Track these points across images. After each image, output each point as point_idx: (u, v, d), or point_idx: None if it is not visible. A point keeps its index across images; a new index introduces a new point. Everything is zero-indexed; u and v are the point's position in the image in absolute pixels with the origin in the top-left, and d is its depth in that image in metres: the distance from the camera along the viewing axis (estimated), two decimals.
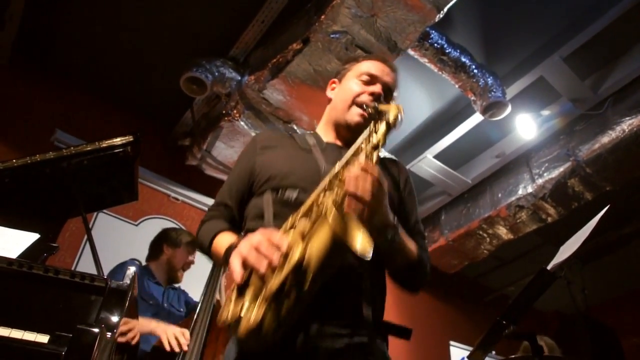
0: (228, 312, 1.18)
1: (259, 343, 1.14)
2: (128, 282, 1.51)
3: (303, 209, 1.29)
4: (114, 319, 1.37)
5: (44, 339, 1.27)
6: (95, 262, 2.05)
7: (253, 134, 3.89)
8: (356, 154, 1.36)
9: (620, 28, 3.45)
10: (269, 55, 3.53)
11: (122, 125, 4.30)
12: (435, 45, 3.50)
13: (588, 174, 4.03)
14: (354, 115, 1.59)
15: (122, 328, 1.45)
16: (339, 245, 1.10)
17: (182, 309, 3.11)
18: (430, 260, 1.57)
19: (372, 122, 1.41)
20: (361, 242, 1.11)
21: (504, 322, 1.48)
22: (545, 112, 4.10)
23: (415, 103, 4.28)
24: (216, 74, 3.61)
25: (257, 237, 1.18)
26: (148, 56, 4.01)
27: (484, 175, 4.70)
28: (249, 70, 3.70)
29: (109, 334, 1.33)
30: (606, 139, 3.81)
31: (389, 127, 1.37)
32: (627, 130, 3.70)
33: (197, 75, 3.51)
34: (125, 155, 2.41)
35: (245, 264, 1.18)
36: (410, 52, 3.50)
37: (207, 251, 1.50)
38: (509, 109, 3.76)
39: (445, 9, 3.11)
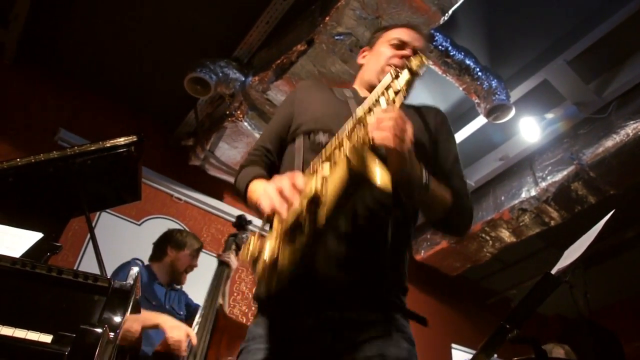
0: (247, 250, 1.19)
1: (276, 280, 1.15)
2: (131, 282, 1.51)
3: (325, 153, 1.29)
4: (117, 319, 1.37)
5: (47, 338, 1.27)
6: (98, 261, 2.05)
7: (257, 135, 3.89)
8: (379, 98, 1.37)
9: (625, 32, 3.45)
10: (273, 56, 3.54)
11: (125, 125, 4.31)
12: (440, 47, 3.49)
13: (592, 177, 4.02)
14: (387, 75, 1.57)
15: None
16: (356, 178, 1.11)
17: (182, 312, 3.11)
18: (470, 200, 1.59)
19: (394, 68, 1.43)
20: (380, 175, 1.10)
21: (508, 326, 1.47)
22: (549, 116, 4.09)
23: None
24: (220, 74, 3.61)
25: (281, 181, 1.20)
26: (152, 56, 4.01)
27: (487, 178, 4.69)
28: (253, 71, 3.71)
29: (111, 334, 1.33)
30: (610, 142, 3.80)
31: (412, 74, 1.37)
32: (631, 134, 3.69)
33: (201, 76, 3.51)
34: (129, 155, 2.41)
35: (271, 207, 1.19)
36: None
37: (244, 197, 1.52)
38: (512, 112, 3.76)
39: (450, 12, 3.10)
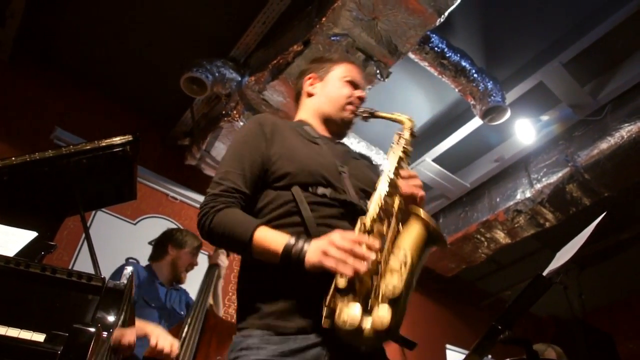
0: (343, 318, 1.20)
1: (377, 342, 1.23)
2: (125, 281, 1.51)
3: (373, 212, 1.40)
4: (111, 318, 1.37)
5: (40, 337, 1.27)
6: (92, 261, 2.06)
7: None
8: (400, 163, 1.57)
9: (620, 35, 3.47)
10: (270, 57, 3.54)
11: (121, 123, 4.31)
12: (436, 49, 3.51)
13: (586, 179, 4.04)
14: (349, 114, 1.78)
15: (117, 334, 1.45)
16: (432, 238, 1.34)
17: (183, 311, 3.11)
18: None
19: (398, 135, 1.68)
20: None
21: (499, 327, 1.48)
22: (545, 118, 4.11)
23: (414, 106, 4.29)
24: (216, 74, 3.61)
25: (346, 239, 1.25)
26: (149, 55, 4.01)
27: (482, 179, 4.71)
28: (250, 71, 3.71)
29: (105, 334, 1.33)
30: (605, 145, 3.82)
31: (412, 135, 1.69)
32: (625, 137, 3.71)
33: (197, 76, 3.51)
34: (125, 155, 2.41)
35: (341, 267, 1.21)
36: (411, 55, 3.51)
37: (242, 242, 1.38)
38: (508, 114, 3.77)
39: (446, 13, 3.11)
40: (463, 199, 4.97)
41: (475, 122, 4.08)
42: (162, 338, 2.43)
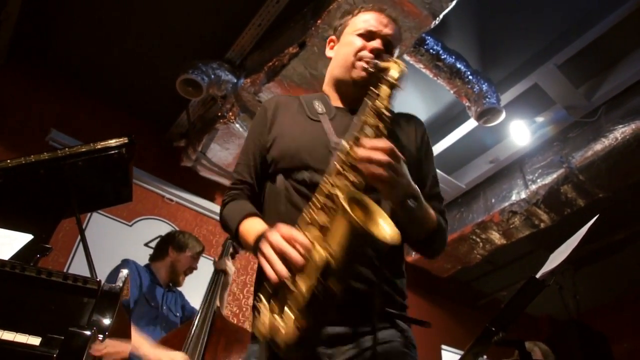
0: (264, 324, 1.13)
1: (299, 350, 1.11)
2: (120, 284, 1.52)
3: (317, 201, 1.23)
4: (106, 321, 1.38)
5: (35, 341, 1.27)
6: (88, 263, 2.06)
7: None
8: (363, 127, 1.29)
9: (614, 37, 3.48)
10: (265, 59, 3.55)
11: (117, 125, 4.31)
12: (431, 51, 3.52)
13: (581, 180, 4.06)
14: (358, 70, 1.52)
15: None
16: (363, 236, 1.05)
17: (178, 314, 3.12)
18: (447, 224, 1.53)
19: (374, 85, 1.35)
20: (389, 229, 1.08)
21: (493, 328, 1.49)
22: (539, 119, 4.13)
23: (410, 108, 4.25)
24: (212, 76, 3.61)
25: (279, 239, 1.15)
26: (145, 57, 4.01)
27: (477, 180, 4.73)
28: (245, 73, 3.71)
29: (100, 337, 1.33)
30: (599, 146, 3.84)
31: (393, 88, 1.33)
32: (619, 138, 3.73)
33: (193, 77, 3.52)
34: (120, 157, 2.41)
35: (273, 268, 1.14)
36: (406, 57, 3.52)
37: (234, 236, 1.43)
38: (503, 116, 3.79)
39: (441, 16, 3.12)
40: (458, 200, 4.98)
41: (471, 124, 4.10)
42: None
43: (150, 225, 4.21)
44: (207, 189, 4.58)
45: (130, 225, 4.12)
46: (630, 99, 3.74)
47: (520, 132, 4.18)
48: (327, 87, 1.65)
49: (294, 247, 1.13)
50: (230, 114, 3.82)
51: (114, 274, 2.89)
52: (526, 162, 4.42)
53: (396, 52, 1.60)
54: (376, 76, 1.40)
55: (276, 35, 3.55)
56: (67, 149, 2.30)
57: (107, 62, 4.08)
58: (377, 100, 1.31)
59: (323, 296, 1.08)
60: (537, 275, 1.37)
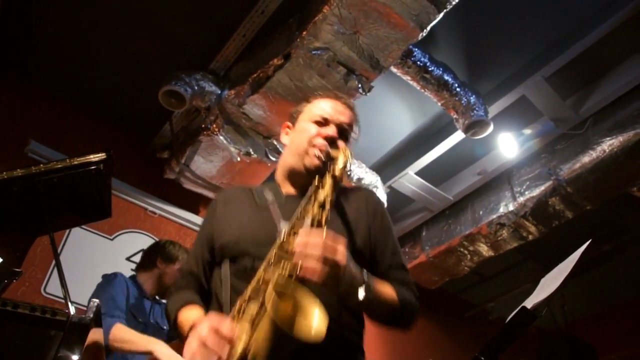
0: None
1: None
2: (91, 315, 1.44)
3: (249, 289, 1.23)
4: (74, 357, 1.30)
5: None
6: (62, 286, 1.97)
7: (232, 149, 3.83)
8: (302, 216, 1.28)
9: (603, 49, 3.47)
10: (250, 70, 3.48)
11: (99, 136, 4.21)
12: (418, 63, 3.47)
13: (569, 193, 4.03)
14: (311, 158, 1.50)
15: None
16: (285, 334, 1.03)
17: (165, 326, 3.02)
18: (415, 291, 1.50)
19: (317, 176, 1.38)
20: (316, 322, 1.05)
21: (482, 358, 1.43)
22: (527, 131, 4.10)
23: (397, 120, 4.25)
24: (195, 87, 3.54)
25: (205, 330, 1.14)
26: (127, 67, 3.93)
27: (465, 192, 4.68)
28: (229, 84, 3.64)
29: None
30: (587, 158, 3.82)
31: (336, 181, 1.34)
32: (607, 151, 3.71)
33: (176, 89, 3.43)
34: (98, 173, 2.32)
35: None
36: (393, 69, 3.47)
37: (174, 326, 1.45)
38: (491, 128, 3.75)
39: (429, 28, 3.08)
40: (446, 212, 4.94)
41: (458, 135, 4.06)
42: (168, 356, 2.34)
43: (133, 239, 4.11)
44: (190, 202, 4.49)
45: (112, 239, 4.02)
46: (617, 111, 3.72)
47: (508, 144, 4.14)
48: (280, 176, 1.63)
49: (216, 338, 1.12)
50: (214, 125, 3.74)
51: (103, 287, 2.80)
52: (514, 174, 4.39)
53: (353, 136, 1.62)
54: (326, 165, 1.44)
55: (261, 46, 3.48)
56: (41, 165, 2.20)
57: (89, 72, 3.99)
58: (320, 190, 1.31)
59: None
60: (529, 306, 1.31)
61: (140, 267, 3.10)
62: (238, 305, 1.22)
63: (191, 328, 1.25)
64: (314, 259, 1.13)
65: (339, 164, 1.35)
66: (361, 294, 1.24)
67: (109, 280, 2.89)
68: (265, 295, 1.07)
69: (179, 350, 2.50)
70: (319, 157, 1.48)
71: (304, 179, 1.50)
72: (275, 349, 1.06)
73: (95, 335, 1.51)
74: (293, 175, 1.57)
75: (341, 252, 1.18)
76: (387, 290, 1.36)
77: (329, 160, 1.43)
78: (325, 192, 1.29)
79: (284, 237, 1.25)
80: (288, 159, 1.60)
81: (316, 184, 1.34)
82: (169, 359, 2.33)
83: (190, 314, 1.38)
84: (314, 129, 1.55)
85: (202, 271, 1.52)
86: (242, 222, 1.48)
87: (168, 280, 3.00)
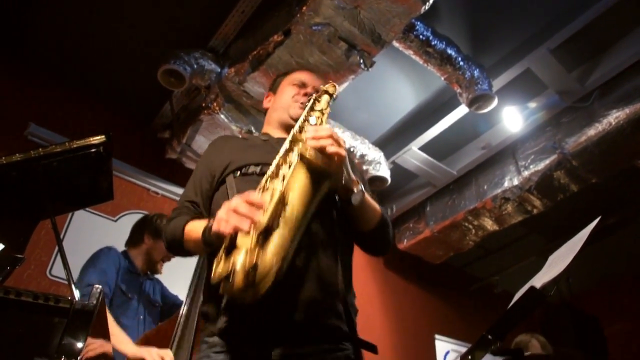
0: (217, 270, 1.14)
1: (254, 293, 1.11)
2: (94, 302, 1.42)
3: (270, 172, 1.36)
4: (78, 344, 1.29)
5: None
6: (65, 270, 1.95)
7: (233, 127, 3.79)
8: (305, 119, 1.55)
9: (608, 21, 3.39)
10: (250, 47, 3.42)
11: (99, 117, 4.17)
12: (421, 37, 3.41)
13: (574, 166, 4.00)
14: (296, 109, 1.75)
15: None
16: (318, 176, 1.21)
17: (158, 303, 3.01)
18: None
19: (314, 95, 1.69)
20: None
21: (490, 337, 1.42)
22: (532, 105, 4.04)
23: (400, 95, 4.20)
24: (195, 66, 3.48)
25: (235, 201, 1.19)
26: (126, 47, 3.86)
27: (469, 167, 4.64)
28: (229, 62, 3.58)
29: None
30: (592, 131, 3.78)
31: (330, 96, 1.67)
32: (613, 123, 3.66)
33: (175, 68, 3.38)
34: (98, 156, 2.30)
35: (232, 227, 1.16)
36: (395, 44, 3.41)
37: (179, 242, 1.47)
38: (495, 102, 3.70)
39: (431, 1, 3.02)
40: (450, 187, 4.91)
41: (462, 110, 4.01)
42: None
43: (136, 220, 4.10)
44: None
45: (115, 221, 4.01)
46: (624, 83, 3.66)
47: (513, 118, 4.09)
48: (267, 129, 1.86)
49: (248, 204, 1.17)
50: (215, 104, 3.70)
51: (98, 259, 2.79)
52: (519, 148, 4.35)
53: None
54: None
55: (260, 23, 3.41)
56: (40, 149, 2.18)
57: (87, 52, 3.93)
58: (317, 102, 1.65)
59: (284, 231, 1.16)
60: (537, 286, 1.29)
61: (129, 242, 3.06)
62: (263, 183, 1.33)
63: (207, 226, 1.30)
64: (325, 139, 1.30)
65: (331, 87, 1.69)
66: (359, 189, 1.42)
67: (103, 252, 2.87)
68: (300, 148, 1.25)
69: (168, 332, 2.52)
70: (302, 107, 1.72)
71: (291, 129, 1.66)
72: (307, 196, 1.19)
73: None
74: (281, 125, 1.80)
75: (344, 145, 1.35)
76: (371, 199, 1.52)
77: (314, 100, 1.70)
78: (322, 104, 1.63)
79: (294, 132, 1.45)
80: (273, 115, 1.85)
81: (314, 99, 1.66)
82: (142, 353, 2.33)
83: (199, 223, 1.41)
84: (295, 88, 1.83)
85: (201, 200, 1.58)
86: (245, 148, 1.66)
87: (157, 255, 2.99)
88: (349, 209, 1.46)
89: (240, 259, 1.09)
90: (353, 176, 1.43)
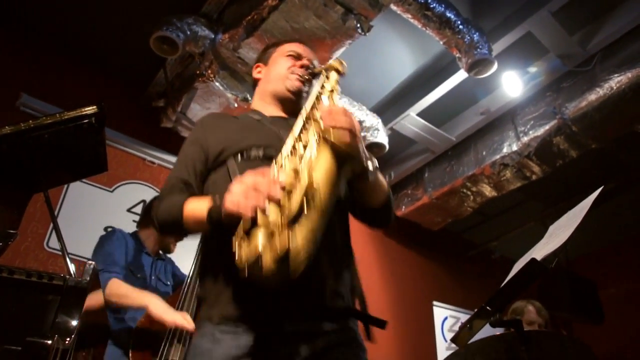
0: (243, 253, 1.07)
1: (284, 278, 1.06)
2: (87, 278, 1.40)
3: (286, 150, 1.32)
4: (73, 322, 1.27)
5: None
6: (60, 243, 1.94)
7: (229, 95, 3.73)
8: (318, 99, 1.49)
9: None
10: (243, 12, 3.33)
11: (92, 87, 4.09)
12: (419, 0, 3.32)
13: (574, 131, 3.96)
14: (293, 81, 1.68)
15: None
16: (342, 158, 1.19)
17: (169, 282, 3.01)
18: None
19: (322, 73, 1.62)
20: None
21: (489, 308, 1.40)
22: (532, 69, 3.97)
23: (398, 60, 4.12)
24: (188, 32, 3.39)
25: (250, 178, 1.15)
26: (117, 14, 3.76)
27: (468, 132, 4.60)
28: (223, 27, 3.49)
29: (67, 340, 1.22)
30: (593, 96, 3.72)
31: (339, 74, 1.60)
32: (614, 88, 3.60)
33: (167, 35, 3.29)
34: (90, 127, 2.25)
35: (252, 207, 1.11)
36: (393, 7, 3.32)
37: (177, 221, 1.39)
38: (495, 67, 3.63)
39: None
40: (449, 153, 4.88)
41: (461, 75, 3.93)
42: (163, 311, 2.34)
43: (133, 190, 4.08)
44: None
45: (112, 191, 3.98)
46: (626, 46, 3.58)
47: (512, 83, 4.03)
48: (259, 104, 1.75)
49: (267, 181, 1.14)
50: (209, 71, 3.62)
51: (101, 244, 2.78)
52: (518, 114, 4.29)
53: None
54: (310, 82, 1.68)
55: None
56: (30, 121, 2.13)
57: (79, 20, 3.83)
58: (326, 82, 1.55)
59: (313, 215, 1.11)
60: (538, 258, 1.27)
61: (141, 223, 3.07)
62: (279, 161, 1.29)
63: (213, 206, 1.26)
64: (342, 120, 1.25)
65: (338, 65, 1.60)
66: (372, 165, 1.39)
67: (107, 236, 2.86)
68: (321, 129, 1.24)
69: (174, 304, 2.52)
70: (300, 80, 1.68)
71: (288, 101, 1.69)
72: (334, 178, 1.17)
73: (95, 296, 1.49)
74: (276, 98, 1.71)
75: (358, 123, 1.32)
76: (380, 174, 1.49)
77: (313, 76, 1.68)
78: (331, 84, 1.54)
79: (307, 112, 1.42)
80: (267, 87, 1.74)
81: (323, 78, 1.58)
82: (164, 312, 2.33)
83: (201, 201, 1.35)
84: (290, 60, 1.74)
85: (194, 181, 1.50)
86: (239, 129, 1.57)
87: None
88: (361, 186, 1.43)
89: (270, 243, 1.04)
90: (367, 152, 1.39)
